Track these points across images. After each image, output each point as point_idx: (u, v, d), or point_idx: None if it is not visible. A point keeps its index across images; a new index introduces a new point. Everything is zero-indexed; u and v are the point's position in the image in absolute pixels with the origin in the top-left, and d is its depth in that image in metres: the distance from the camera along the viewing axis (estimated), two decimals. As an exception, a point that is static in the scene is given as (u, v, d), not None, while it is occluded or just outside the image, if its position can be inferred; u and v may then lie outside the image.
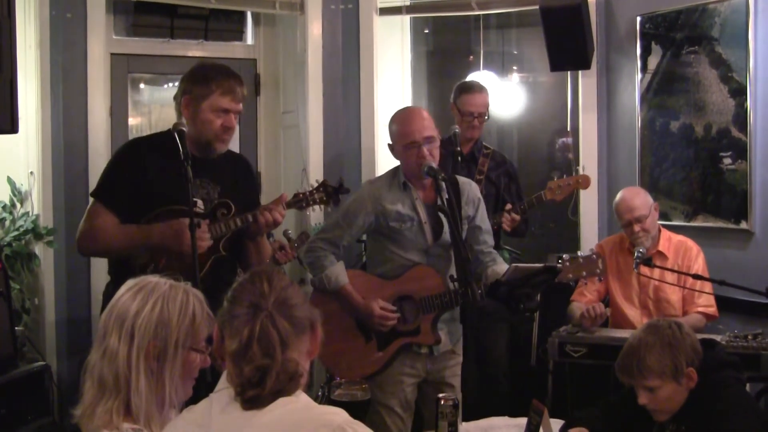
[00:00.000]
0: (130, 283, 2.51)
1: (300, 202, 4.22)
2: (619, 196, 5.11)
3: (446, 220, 4.18)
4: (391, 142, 4.45)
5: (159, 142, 4.14)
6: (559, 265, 4.27)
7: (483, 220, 4.53)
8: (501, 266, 4.43)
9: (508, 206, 5.47)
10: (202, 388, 2.65)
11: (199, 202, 3.95)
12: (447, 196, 4.16)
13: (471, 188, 4.51)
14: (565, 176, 5.50)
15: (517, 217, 5.42)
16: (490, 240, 4.56)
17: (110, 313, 2.46)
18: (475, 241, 4.48)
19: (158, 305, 2.44)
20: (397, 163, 4.51)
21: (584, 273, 4.32)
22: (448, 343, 4.43)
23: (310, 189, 4.25)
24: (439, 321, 4.38)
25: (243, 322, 2.22)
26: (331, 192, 4.25)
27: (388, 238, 4.40)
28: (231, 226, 3.99)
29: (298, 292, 2.33)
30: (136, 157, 4.08)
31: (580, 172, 5.55)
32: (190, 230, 3.70)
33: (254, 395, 2.17)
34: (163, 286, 2.49)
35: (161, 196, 3.95)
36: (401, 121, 4.40)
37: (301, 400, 2.23)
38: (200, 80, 4.03)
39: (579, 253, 4.38)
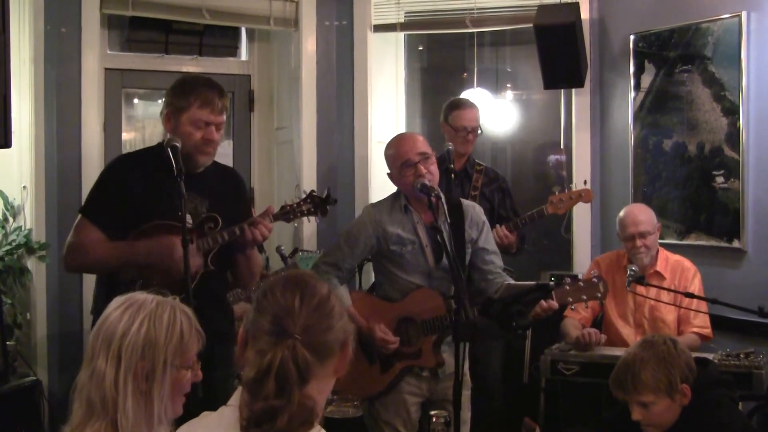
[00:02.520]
0: (118, 301, 2.47)
1: (287, 214, 4.17)
2: (625, 209, 5.12)
3: (438, 238, 4.18)
4: (389, 171, 4.47)
5: (147, 158, 4.13)
6: (551, 283, 4.26)
7: (488, 241, 4.53)
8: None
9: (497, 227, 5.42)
10: (195, 404, 2.64)
11: (188, 217, 3.90)
12: (442, 216, 4.17)
13: (475, 211, 4.52)
14: (566, 190, 5.45)
15: (510, 235, 5.38)
16: (498, 261, 4.55)
17: (98, 333, 2.43)
18: (482, 263, 4.47)
19: (145, 325, 2.39)
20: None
21: (584, 297, 4.31)
22: (452, 365, 4.42)
23: (298, 200, 4.19)
24: (442, 343, 4.38)
25: (265, 344, 2.11)
26: (318, 203, 4.18)
27: (390, 261, 4.42)
28: (218, 240, 3.94)
29: (332, 309, 2.20)
30: (123, 173, 4.06)
31: (577, 186, 5.50)
32: (183, 246, 3.68)
33: None
34: (150, 304, 2.44)
35: (148, 212, 3.92)
36: (394, 145, 4.44)
37: None
38: (180, 93, 4.00)
39: (580, 276, 4.38)
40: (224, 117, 4.03)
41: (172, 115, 3.99)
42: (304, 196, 4.21)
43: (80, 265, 4.16)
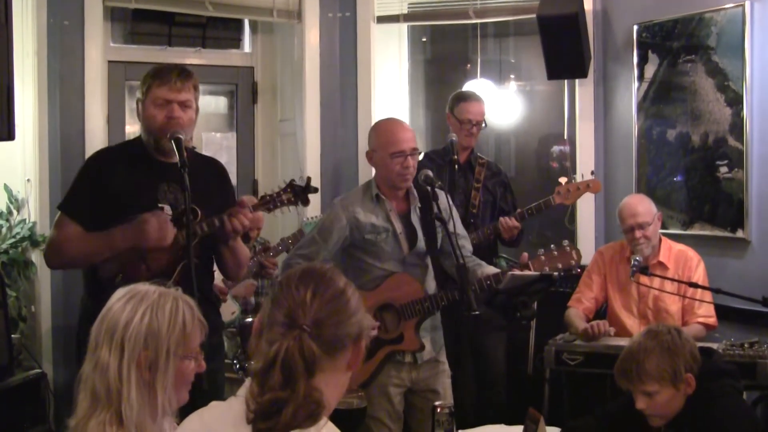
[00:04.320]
0: (120, 292, 2.48)
1: (267, 204, 4.09)
2: (623, 201, 5.11)
3: (443, 228, 4.20)
4: (369, 149, 4.46)
5: (126, 151, 4.12)
6: (555, 274, 4.27)
7: (457, 227, 4.50)
8: (487, 268, 4.44)
9: (502, 219, 5.44)
10: (198, 396, 2.64)
11: (167, 208, 3.88)
12: (446, 204, 4.18)
13: (441, 197, 4.51)
14: (573, 180, 5.46)
15: (517, 224, 5.38)
16: (468, 245, 4.57)
17: (101, 324, 2.44)
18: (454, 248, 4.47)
19: (147, 315, 2.40)
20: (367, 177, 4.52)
21: (559, 264, 4.34)
22: (432, 351, 4.43)
23: (278, 190, 4.11)
24: (420, 329, 4.38)
25: (275, 335, 2.10)
26: (299, 191, 4.11)
27: (363, 251, 4.40)
28: (198, 232, 3.86)
29: (347, 303, 2.19)
30: (100, 167, 4.01)
31: (583, 177, 5.50)
32: (186, 238, 3.67)
33: (265, 429, 2.05)
34: (153, 294, 2.46)
35: (127, 206, 3.86)
36: (389, 130, 4.41)
37: None
38: (143, 80, 4.00)
39: (552, 245, 4.39)
40: (188, 96, 3.95)
41: (139, 104, 4.00)
42: (284, 185, 4.14)
43: (60, 261, 4.10)
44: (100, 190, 3.92)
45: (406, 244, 4.39)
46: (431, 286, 4.41)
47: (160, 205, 3.87)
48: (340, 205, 4.45)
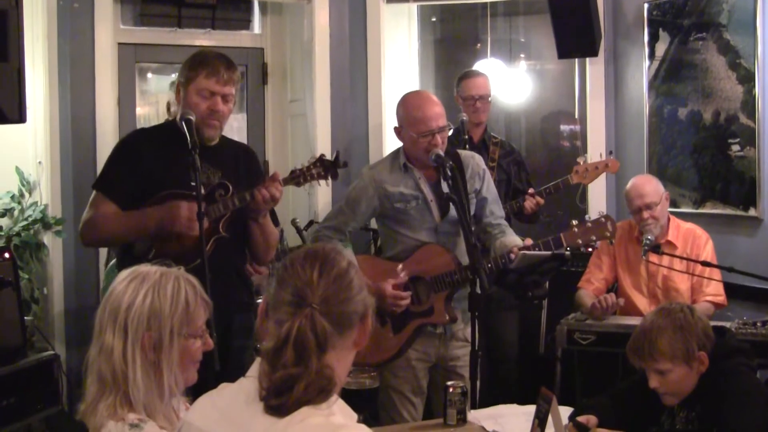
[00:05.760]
0: (123, 274, 2.49)
1: (297, 177, 4.14)
2: (630, 182, 5.09)
3: (455, 208, 4.16)
4: (398, 125, 4.40)
5: (161, 132, 4.18)
6: (567, 253, 4.24)
7: (489, 190, 4.48)
8: (510, 237, 4.36)
9: (531, 190, 5.43)
10: (210, 376, 2.65)
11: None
12: (450, 182, 4.12)
13: (474, 161, 4.46)
14: (582, 160, 5.43)
15: (542, 201, 5.38)
16: (498, 210, 4.51)
17: (104, 307, 2.46)
18: (483, 213, 4.44)
19: (149, 296, 2.41)
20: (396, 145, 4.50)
21: (593, 237, 4.24)
22: (461, 322, 4.39)
23: (307, 164, 4.15)
24: (453, 300, 4.33)
25: (284, 314, 2.11)
26: (328, 166, 4.13)
27: (395, 221, 4.37)
28: (229, 206, 3.93)
29: (351, 281, 2.19)
30: (136, 147, 4.09)
31: (600, 156, 5.48)
32: (198, 218, 3.69)
33: (277, 405, 2.06)
34: (154, 275, 2.46)
35: (161, 185, 3.94)
36: (416, 108, 4.32)
37: (321, 412, 2.07)
38: (189, 65, 4.04)
39: (587, 216, 4.34)
40: (232, 90, 4.04)
41: (181, 87, 4.03)
42: (313, 160, 4.18)
43: (96, 239, 4.20)
44: (135, 169, 3.99)
45: (437, 212, 4.34)
46: (465, 255, 4.25)
47: (192, 184, 3.91)
48: (368, 174, 4.43)
